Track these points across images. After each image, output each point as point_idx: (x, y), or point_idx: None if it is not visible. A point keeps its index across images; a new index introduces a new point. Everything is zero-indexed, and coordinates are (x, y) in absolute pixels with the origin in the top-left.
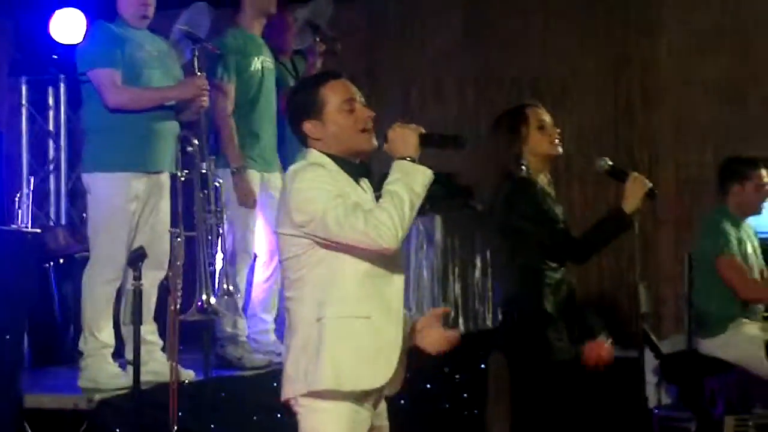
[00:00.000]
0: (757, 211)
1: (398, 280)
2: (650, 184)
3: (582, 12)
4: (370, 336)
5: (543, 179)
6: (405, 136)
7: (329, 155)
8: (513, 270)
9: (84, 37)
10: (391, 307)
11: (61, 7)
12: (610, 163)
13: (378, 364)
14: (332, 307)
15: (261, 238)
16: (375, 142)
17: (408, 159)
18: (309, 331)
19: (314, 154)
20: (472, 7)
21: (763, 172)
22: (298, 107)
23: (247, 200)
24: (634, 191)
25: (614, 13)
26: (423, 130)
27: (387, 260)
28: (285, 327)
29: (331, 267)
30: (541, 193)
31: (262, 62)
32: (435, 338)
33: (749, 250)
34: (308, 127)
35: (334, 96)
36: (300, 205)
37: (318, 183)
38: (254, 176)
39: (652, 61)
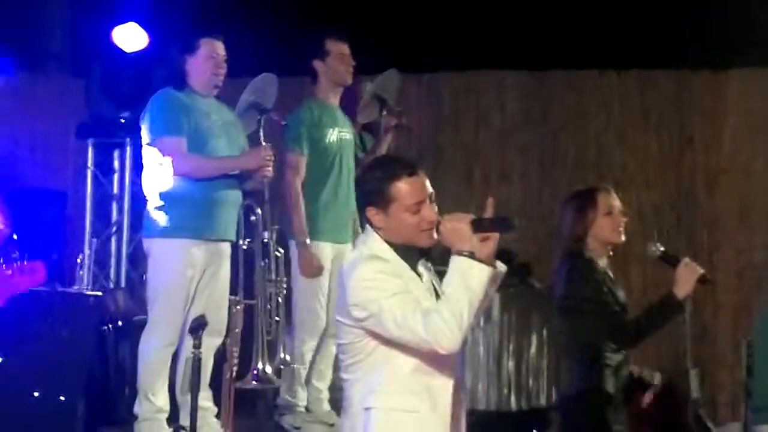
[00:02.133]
0: None
1: (449, 376)
2: (702, 270)
3: (643, 91)
4: (416, 430)
5: (603, 262)
6: (457, 229)
7: (389, 243)
8: (574, 350)
9: (150, 105)
10: (438, 403)
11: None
12: (662, 248)
13: None
14: (381, 398)
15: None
16: (435, 238)
17: (465, 254)
18: (357, 418)
19: (375, 240)
20: (527, 87)
21: None
22: (366, 193)
23: (310, 272)
24: (686, 277)
25: (676, 93)
26: (472, 217)
27: (440, 357)
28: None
29: (383, 358)
30: (602, 274)
31: (338, 133)
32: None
33: None
34: (372, 213)
35: (405, 195)
36: (359, 301)
37: (377, 281)
38: (325, 248)
39: (714, 143)
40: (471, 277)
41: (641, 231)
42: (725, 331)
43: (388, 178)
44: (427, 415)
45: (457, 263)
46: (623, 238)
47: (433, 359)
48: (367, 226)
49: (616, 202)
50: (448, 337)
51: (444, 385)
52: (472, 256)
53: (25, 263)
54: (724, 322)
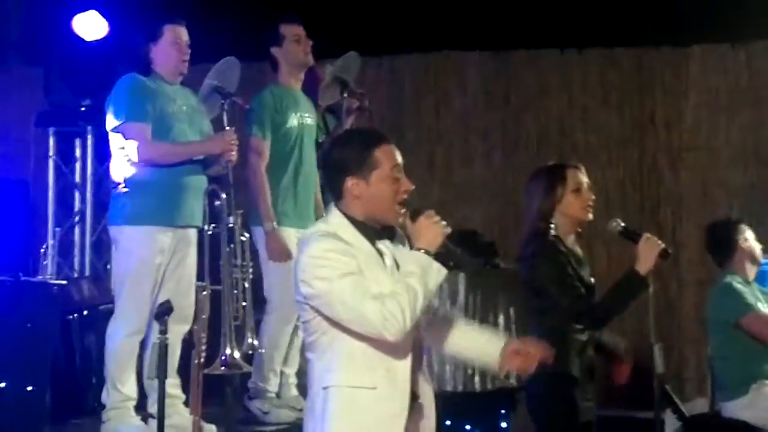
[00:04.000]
0: (757, 266)
1: (405, 352)
2: (663, 245)
3: (605, 70)
4: (374, 407)
5: (570, 240)
6: (433, 232)
7: (352, 218)
8: (541, 331)
9: (115, 90)
10: (397, 379)
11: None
12: (623, 224)
13: None
14: (338, 376)
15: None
16: (401, 219)
17: (425, 252)
18: (317, 397)
19: (335, 216)
20: (488, 67)
21: (744, 226)
22: (345, 162)
23: (279, 257)
24: (647, 252)
25: (637, 71)
26: (449, 231)
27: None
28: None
29: (337, 336)
30: (567, 255)
31: (300, 117)
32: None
33: (765, 310)
34: (351, 183)
35: (386, 160)
36: (307, 278)
37: (328, 259)
38: (290, 232)
39: (676, 121)
40: (430, 277)
41: (605, 209)
42: (690, 307)
43: (369, 145)
44: (385, 390)
45: (419, 258)
46: (591, 216)
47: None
48: (331, 204)
49: (585, 179)
50: (397, 327)
51: (401, 361)
52: (431, 256)
53: None
54: (689, 297)
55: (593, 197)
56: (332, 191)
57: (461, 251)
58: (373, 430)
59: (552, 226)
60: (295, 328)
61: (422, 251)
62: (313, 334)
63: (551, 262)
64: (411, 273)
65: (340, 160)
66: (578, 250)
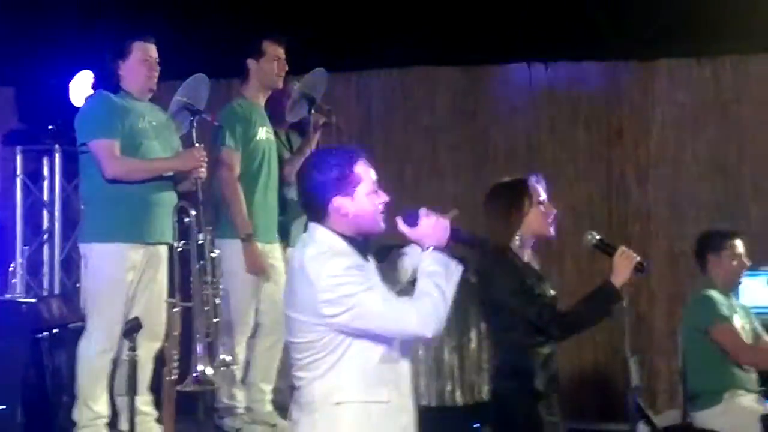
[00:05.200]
0: (735, 281)
1: (406, 364)
2: (638, 258)
3: (572, 84)
4: (388, 421)
5: (527, 255)
6: (439, 229)
7: (340, 235)
8: (503, 347)
9: (84, 107)
10: (403, 392)
11: (65, 76)
12: (598, 237)
13: None
14: (352, 392)
15: (264, 308)
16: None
17: (440, 250)
18: (321, 414)
19: (326, 235)
20: (458, 83)
21: (738, 242)
22: (328, 183)
23: (256, 268)
24: (622, 265)
25: (605, 86)
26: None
27: (400, 345)
28: (292, 403)
29: (352, 352)
30: (523, 270)
31: (266, 132)
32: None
33: (738, 324)
34: (339, 202)
35: (367, 175)
36: (333, 297)
37: (350, 276)
38: (258, 247)
39: (643, 135)
40: (451, 272)
41: (574, 224)
42: (661, 320)
43: (349, 162)
44: (396, 403)
45: (435, 257)
46: (553, 231)
47: (396, 348)
48: (311, 224)
49: (544, 195)
50: (434, 325)
51: (405, 372)
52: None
53: None
54: (659, 310)
55: (555, 212)
56: (315, 212)
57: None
58: None
59: (517, 239)
60: (269, 344)
61: (433, 250)
62: (317, 354)
63: (510, 275)
64: (435, 272)
65: (324, 182)
66: (536, 265)
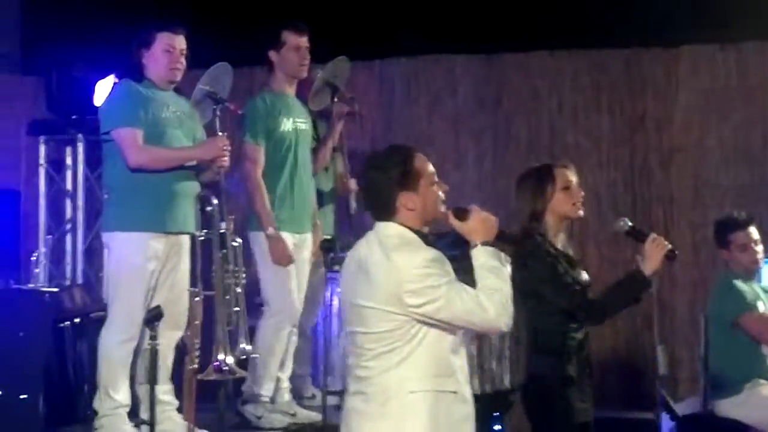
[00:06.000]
0: (753, 268)
1: (464, 355)
2: (670, 246)
3: (594, 71)
4: (455, 410)
5: (561, 240)
6: (488, 225)
7: (411, 229)
8: (536, 333)
9: (108, 96)
10: (463, 382)
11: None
12: (630, 223)
13: None
14: (426, 381)
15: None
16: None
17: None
18: (400, 403)
19: (397, 229)
20: (480, 71)
21: (748, 231)
22: (392, 181)
23: (282, 260)
24: (654, 253)
25: (627, 72)
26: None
27: (460, 337)
28: (353, 394)
29: (426, 341)
30: (557, 255)
31: (293, 123)
32: None
33: (761, 308)
34: (405, 198)
35: (425, 168)
36: (417, 288)
37: (433, 267)
38: (286, 238)
39: (666, 121)
40: (506, 266)
41: (597, 210)
42: (683, 307)
43: (408, 157)
44: (460, 393)
45: (491, 252)
46: (581, 213)
47: (458, 339)
48: (379, 222)
49: (574, 178)
50: (508, 318)
51: (464, 363)
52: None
53: None
54: (682, 297)
55: (583, 194)
56: (382, 210)
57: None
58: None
59: (543, 226)
60: (290, 334)
61: (481, 245)
62: (394, 343)
63: (541, 262)
64: (496, 267)
65: (387, 179)
66: (570, 251)
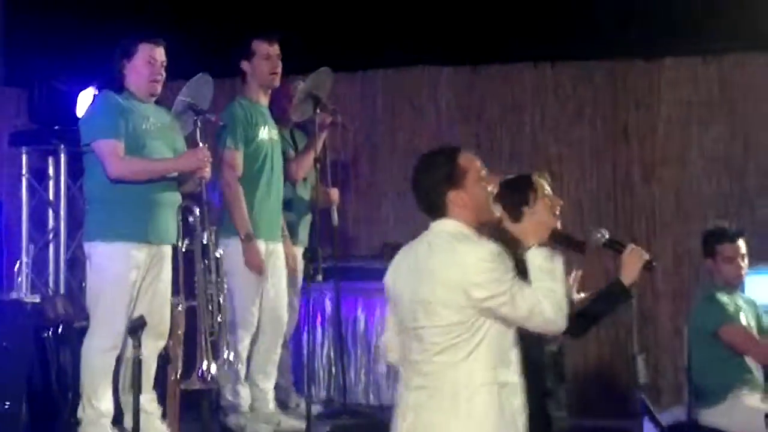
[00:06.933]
0: (735, 282)
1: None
2: (648, 256)
3: (577, 83)
4: (513, 400)
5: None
6: (541, 228)
7: (467, 225)
8: None
9: (88, 108)
10: (517, 374)
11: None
12: (607, 235)
13: (517, 427)
14: (495, 373)
15: (264, 306)
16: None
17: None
18: (470, 395)
19: (457, 225)
20: (463, 82)
21: (737, 244)
22: (442, 177)
23: (255, 267)
24: (632, 263)
25: (610, 84)
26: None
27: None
28: (412, 389)
29: (491, 333)
30: None
31: (269, 132)
32: None
33: (743, 320)
34: (453, 195)
35: (471, 165)
36: (483, 281)
37: (498, 262)
38: (260, 246)
39: (648, 134)
40: (558, 267)
41: (579, 222)
42: (666, 317)
43: (454, 155)
44: (519, 384)
45: (546, 254)
46: (558, 223)
47: (513, 332)
48: (436, 221)
49: (548, 188)
50: (564, 319)
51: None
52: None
53: None
54: (664, 308)
55: (560, 203)
56: (436, 211)
57: None
58: (514, 423)
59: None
60: (270, 343)
61: (535, 247)
62: (462, 335)
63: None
64: (551, 269)
65: (435, 179)
66: None
